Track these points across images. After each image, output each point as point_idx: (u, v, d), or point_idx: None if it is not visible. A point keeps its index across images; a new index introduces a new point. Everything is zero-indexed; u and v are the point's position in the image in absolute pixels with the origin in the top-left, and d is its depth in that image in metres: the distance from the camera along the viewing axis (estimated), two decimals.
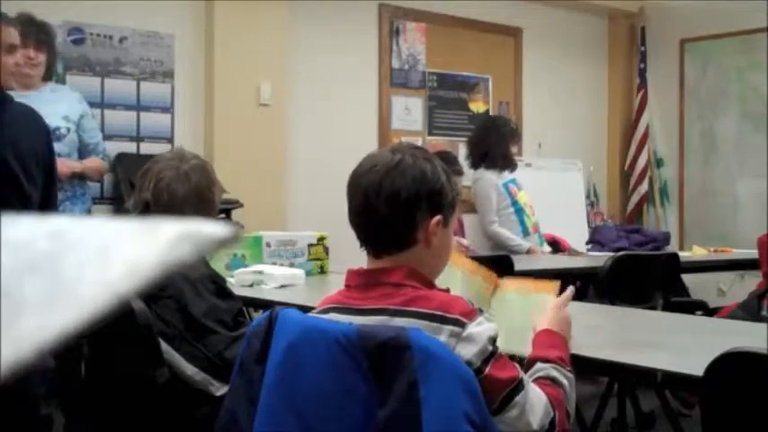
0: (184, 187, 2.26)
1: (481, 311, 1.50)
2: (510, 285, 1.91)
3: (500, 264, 3.09)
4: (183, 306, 2.14)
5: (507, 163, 5.04)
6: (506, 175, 5.06)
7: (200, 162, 2.37)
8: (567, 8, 7.07)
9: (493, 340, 1.46)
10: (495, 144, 5.01)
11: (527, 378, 1.50)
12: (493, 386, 1.42)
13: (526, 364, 1.66)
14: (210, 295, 2.21)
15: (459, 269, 1.95)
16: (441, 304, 1.47)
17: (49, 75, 3.79)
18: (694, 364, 1.49)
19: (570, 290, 1.80)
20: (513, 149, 5.10)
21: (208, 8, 5.23)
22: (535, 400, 1.47)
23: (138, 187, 2.35)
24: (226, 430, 1.56)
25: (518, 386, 1.46)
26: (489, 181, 4.99)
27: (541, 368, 1.60)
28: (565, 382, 1.57)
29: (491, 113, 6.41)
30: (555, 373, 1.58)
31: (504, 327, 1.85)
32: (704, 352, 1.49)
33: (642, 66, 7.31)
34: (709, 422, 1.47)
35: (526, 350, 1.69)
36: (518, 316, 1.84)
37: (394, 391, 1.34)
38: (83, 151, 3.82)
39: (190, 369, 2.12)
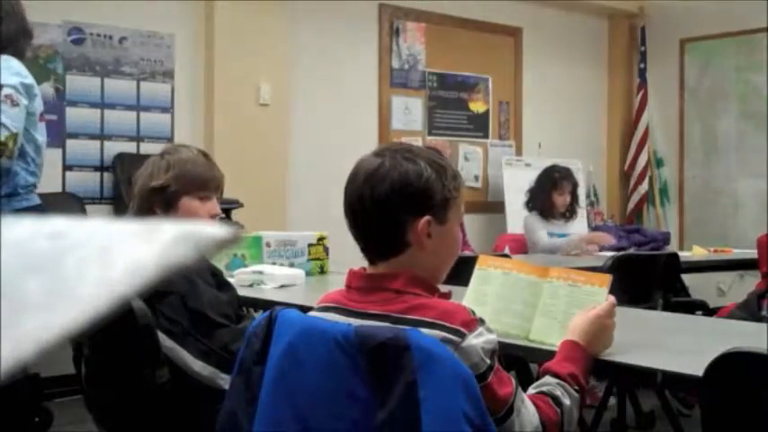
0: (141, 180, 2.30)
1: (482, 321, 1.48)
2: (560, 276, 1.89)
3: None
4: (187, 301, 2.14)
5: (550, 211, 5.04)
6: (557, 226, 5.05)
7: (173, 158, 2.33)
8: (567, 8, 7.07)
9: (491, 353, 1.45)
10: (538, 191, 5.11)
11: (521, 397, 1.49)
12: (486, 402, 1.40)
13: (540, 372, 1.66)
14: (212, 288, 2.21)
15: (499, 270, 1.95)
16: (441, 314, 1.45)
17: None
18: (694, 364, 1.49)
19: (613, 298, 1.78)
20: (558, 199, 5.06)
21: (208, 8, 5.23)
22: (525, 420, 1.47)
23: None
24: (226, 430, 1.56)
25: (509, 410, 1.45)
26: (534, 221, 5.04)
27: (548, 383, 1.59)
28: (567, 402, 1.56)
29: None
30: (558, 392, 1.56)
31: (548, 318, 1.85)
32: (704, 352, 1.48)
33: (642, 66, 7.31)
34: (710, 422, 1.47)
35: (557, 345, 1.70)
36: (564, 308, 1.83)
37: (393, 391, 1.33)
38: None
39: (197, 365, 2.12)
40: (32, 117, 2.99)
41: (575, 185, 5.15)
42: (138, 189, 2.28)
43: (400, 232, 1.51)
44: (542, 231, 4.98)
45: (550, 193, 5.05)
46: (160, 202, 2.27)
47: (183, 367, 2.12)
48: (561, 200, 5.05)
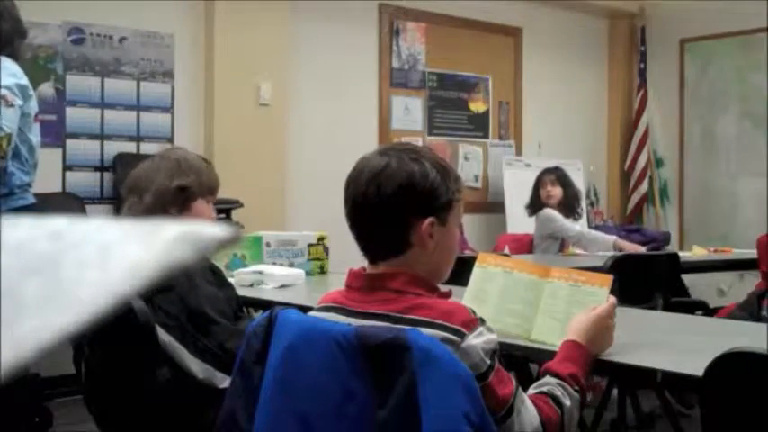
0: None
1: (483, 321, 1.48)
2: (561, 276, 1.88)
3: None
4: (185, 297, 2.15)
5: (540, 206, 5.07)
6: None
7: (171, 155, 2.36)
8: (567, 8, 7.07)
9: (492, 353, 1.45)
10: (532, 196, 5.16)
11: (521, 397, 1.49)
12: (487, 402, 1.40)
13: (540, 372, 1.66)
14: (211, 286, 2.22)
15: (500, 269, 1.94)
16: (442, 313, 1.45)
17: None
18: (694, 364, 1.49)
19: (613, 299, 1.78)
20: (542, 192, 5.08)
21: (208, 8, 5.23)
22: (525, 420, 1.47)
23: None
24: (226, 430, 1.56)
25: (510, 410, 1.44)
26: (554, 212, 5.03)
27: (548, 383, 1.58)
28: (567, 403, 1.55)
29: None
30: (559, 392, 1.56)
31: (549, 318, 1.85)
32: (704, 352, 1.49)
33: (642, 66, 7.31)
34: (710, 422, 1.47)
35: (558, 345, 1.70)
36: (565, 308, 1.83)
37: (393, 391, 1.33)
38: None
39: (192, 361, 2.12)
40: (27, 118, 2.98)
41: (561, 177, 5.11)
42: (157, 187, 2.27)
43: (404, 232, 1.51)
44: (566, 221, 4.98)
45: (538, 191, 5.09)
46: (178, 202, 2.28)
47: (179, 364, 2.13)
48: (545, 192, 5.06)
